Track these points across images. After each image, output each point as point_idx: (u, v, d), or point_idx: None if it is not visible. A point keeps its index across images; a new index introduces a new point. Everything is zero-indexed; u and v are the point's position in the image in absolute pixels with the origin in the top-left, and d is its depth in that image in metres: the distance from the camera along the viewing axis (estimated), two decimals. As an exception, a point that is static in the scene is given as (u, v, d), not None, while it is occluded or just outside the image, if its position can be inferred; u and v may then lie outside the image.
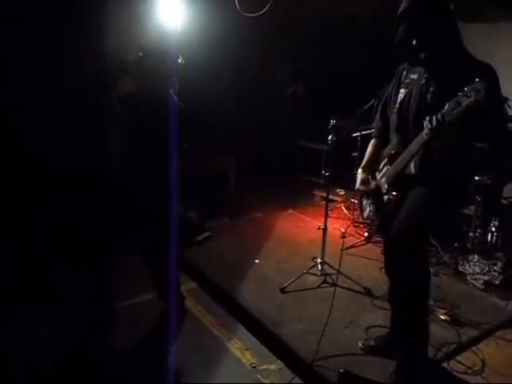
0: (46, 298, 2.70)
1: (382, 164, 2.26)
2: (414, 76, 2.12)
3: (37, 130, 2.96)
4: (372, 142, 2.44)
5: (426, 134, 1.88)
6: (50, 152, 2.96)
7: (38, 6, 2.63)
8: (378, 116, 2.41)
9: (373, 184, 2.29)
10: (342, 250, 2.76)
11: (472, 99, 1.71)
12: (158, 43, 2.50)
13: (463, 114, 1.75)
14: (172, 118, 2.54)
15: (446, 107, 1.79)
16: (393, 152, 2.16)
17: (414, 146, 1.98)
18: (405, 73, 2.19)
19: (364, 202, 2.41)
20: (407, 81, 2.15)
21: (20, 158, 2.82)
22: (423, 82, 2.05)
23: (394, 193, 2.14)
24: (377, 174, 2.29)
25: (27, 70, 2.76)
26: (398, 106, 2.14)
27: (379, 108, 2.40)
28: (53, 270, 2.92)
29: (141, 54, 2.44)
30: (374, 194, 2.29)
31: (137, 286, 2.83)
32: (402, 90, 2.16)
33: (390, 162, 2.17)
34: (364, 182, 2.32)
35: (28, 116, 2.83)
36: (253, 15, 2.87)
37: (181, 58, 2.88)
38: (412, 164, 2.04)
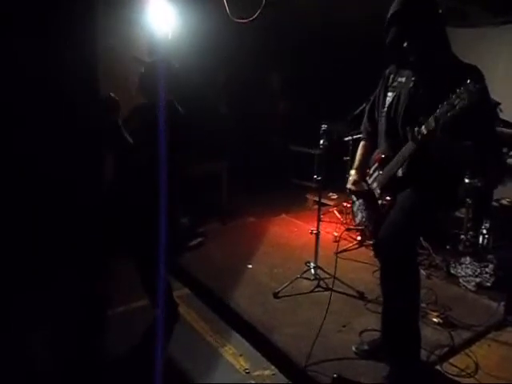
0: (38, 305, 2.68)
1: (372, 169, 2.25)
2: (402, 79, 2.11)
3: (32, 132, 2.95)
4: (362, 143, 2.43)
5: (419, 137, 1.86)
6: (44, 161, 2.95)
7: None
8: (365, 119, 2.41)
9: (364, 185, 2.27)
10: (336, 253, 2.76)
11: (466, 101, 1.68)
12: (153, 54, 2.49)
13: (457, 116, 1.72)
14: (161, 123, 2.52)
15: (440, 109, 1.76)
16: (383, 156, 2.15)
17: (406, 150, 1.96)
18: (392, 76, 2.18)
19: (355, 208, 2.39)
20: (395, 84, 2.14)
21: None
22: (411, 85, 2.04)
23: (387, 198, 2.12)
24: (367, 178, 2.28)
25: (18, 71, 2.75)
26: (386, 109, 2.13)
27: (366, 111, 2.39)
28: (45, 278, 2.90)
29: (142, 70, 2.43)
30: (366, 199, 2.29)
31: (132, 292, 2.81)
32: (389, 94, 2.15)
33: (381, 167, 2.16)
34: (355, 182, 2.31)
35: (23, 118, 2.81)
36: (243, 21, 2.89)
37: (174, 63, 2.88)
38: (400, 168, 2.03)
